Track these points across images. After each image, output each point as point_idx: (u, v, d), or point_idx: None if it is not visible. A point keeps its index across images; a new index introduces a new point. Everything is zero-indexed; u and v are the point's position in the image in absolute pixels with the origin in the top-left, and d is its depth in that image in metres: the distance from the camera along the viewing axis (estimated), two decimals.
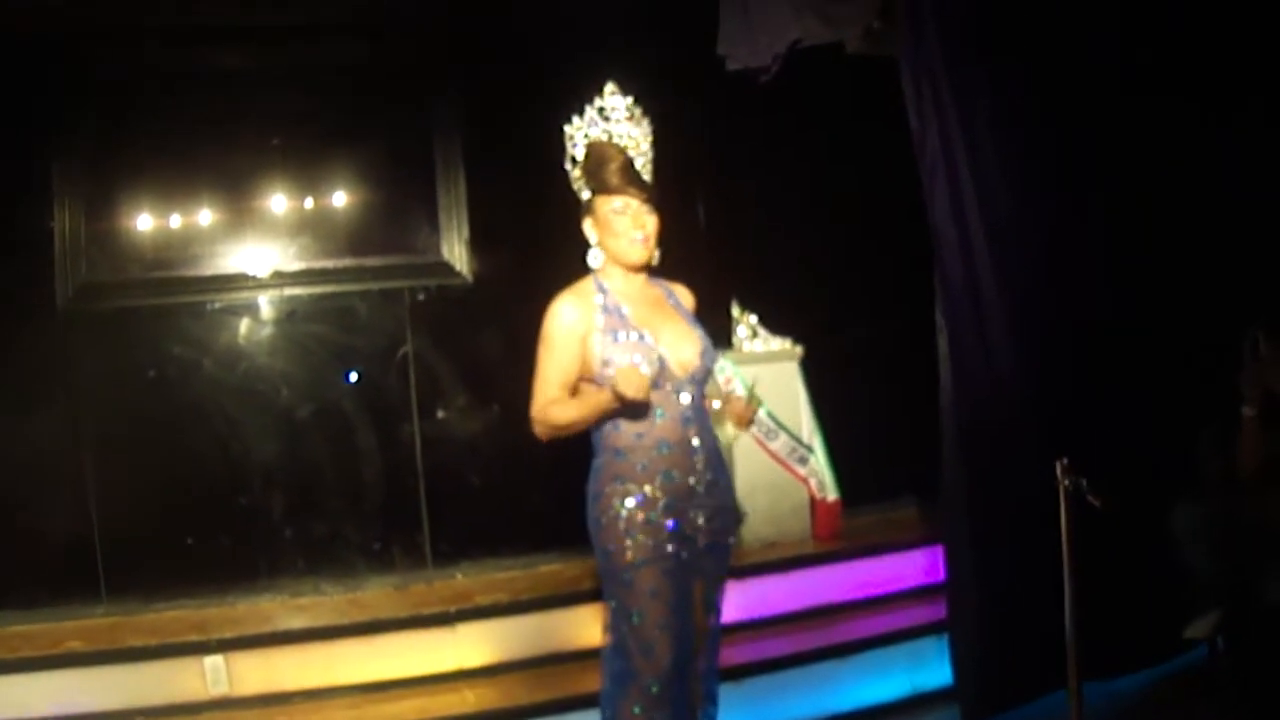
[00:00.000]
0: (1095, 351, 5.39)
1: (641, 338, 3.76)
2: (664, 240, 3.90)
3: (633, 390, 3.56)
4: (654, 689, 3.70)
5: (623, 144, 3.82)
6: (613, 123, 3.83)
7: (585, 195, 3.86)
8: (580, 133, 3.86)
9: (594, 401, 3.73)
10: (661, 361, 3.75)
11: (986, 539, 5.06)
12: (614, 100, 3.84)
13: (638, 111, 3.87)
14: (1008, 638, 5.05)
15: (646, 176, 3.84)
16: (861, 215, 6.90)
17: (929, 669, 5.50)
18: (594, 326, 3.77)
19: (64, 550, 5.91)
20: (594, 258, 3.87)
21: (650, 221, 3.81)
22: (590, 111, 3.85)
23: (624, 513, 3.75)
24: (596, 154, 3.81)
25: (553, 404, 3.77)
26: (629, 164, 3.79)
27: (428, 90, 6.57)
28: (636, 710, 3.72)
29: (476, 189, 6.58)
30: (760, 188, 6.93)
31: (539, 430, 3.82)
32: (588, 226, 3.87)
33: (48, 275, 5.97)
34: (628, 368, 3.64)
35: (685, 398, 3.81)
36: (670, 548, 3.75)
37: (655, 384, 3.72)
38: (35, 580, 5.82)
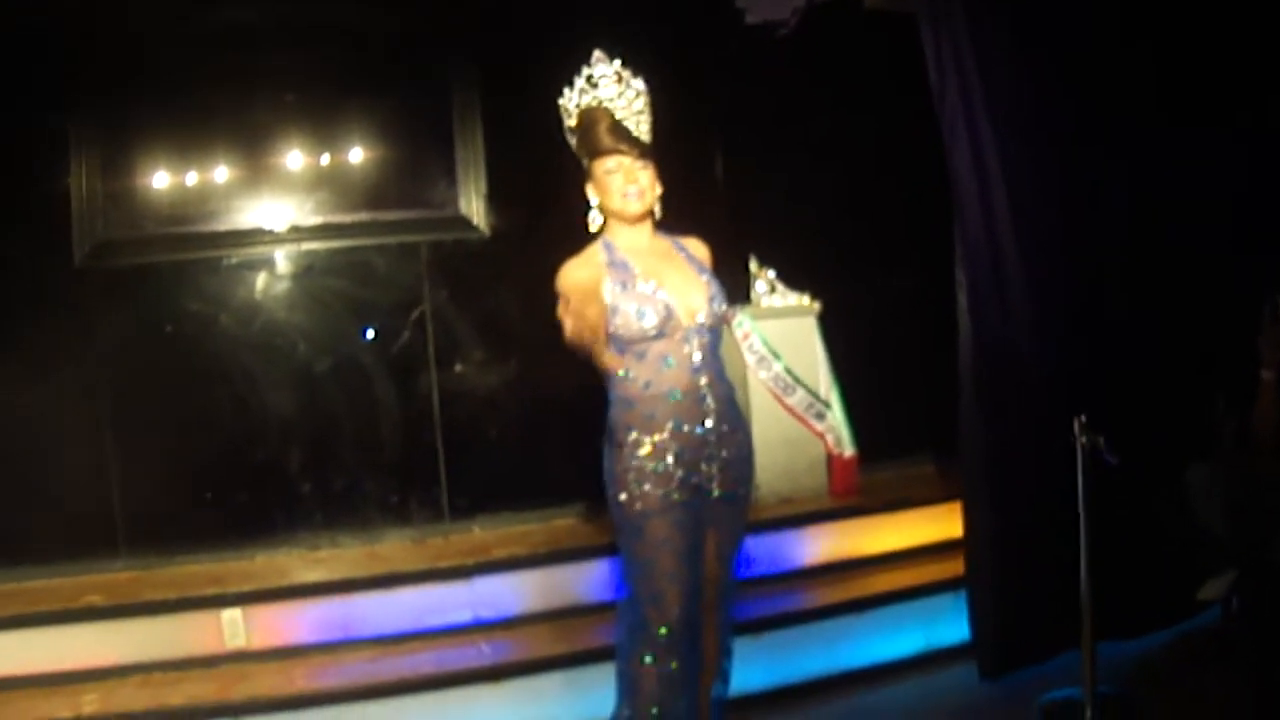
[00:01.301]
0: (1114, 309, 5.38)
1: (647, 285, 3.78)
2: (676, 193, 3.94)
3: None
4: (663, 638, 3.73)
5: (612, 106, 3.87)
6: (601, 88, 3.88)
7: (584, 162, 3.93)
8: (572, 103, 3.93)
9: None
10: (668, 309, 3.78)
11: (1004, 496, 5.07)
12: (601, 68, 3.89)
13: (626, 74, 3.91)
14: (1024, 596, 5.07)
15: (642, 134, 3.90)
16: (881, 171, 6.87)
17: (944, 626, 5.51)
18: (602, 279, 3.81)
19: (83, 506, 5.93)
20: (593, 220, 3.93)
21: (644, 176, 3.87)
22: (579, 81, 3.91)
23: (634, 462, 3.79)
24: (586, 119, 3.90)
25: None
26: (616, 123, 3.86)
27: (446, 45, 6.52)
28: (648, 660, 3.76)
29: (494, 144, 6.54)
30: (779, 144, 6.89)
31: (570, 336, 3.81)
32: (589, 191, 3.93)
33: (65, 233, 5.96)
34: None
35: (694, 346, 3.83)
36: (680, 497, 3.78)
37: (660, 333, 3.77)
38: (55, 535, 5.84)
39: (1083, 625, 4.71)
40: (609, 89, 3.87)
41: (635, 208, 3.85)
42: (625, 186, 3.83)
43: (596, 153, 3.85)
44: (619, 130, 3.84)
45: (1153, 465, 4.96)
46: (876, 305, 7.03)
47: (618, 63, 3.90)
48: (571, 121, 3.94)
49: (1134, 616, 5.27)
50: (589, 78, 3.88)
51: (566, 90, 3.92)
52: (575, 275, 3.82)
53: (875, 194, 6.90)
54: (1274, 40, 5.53)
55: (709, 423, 3.82)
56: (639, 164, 3.84)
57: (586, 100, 3.89)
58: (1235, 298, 5.28)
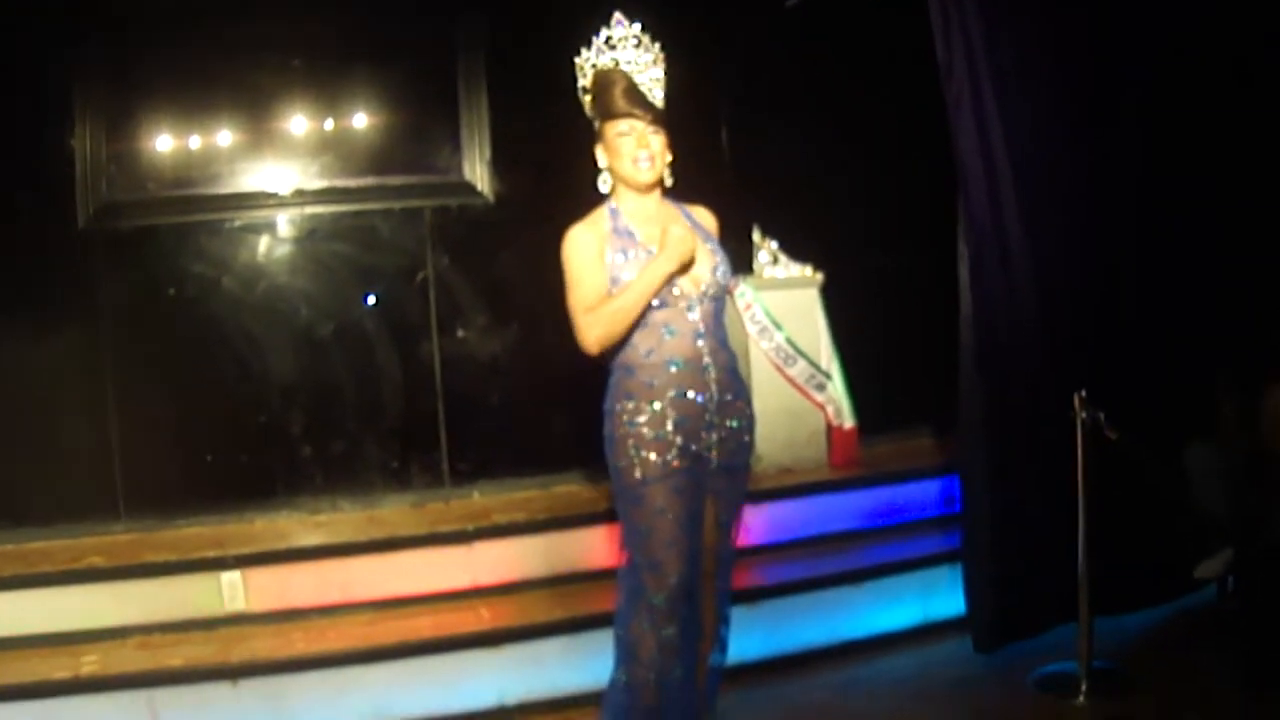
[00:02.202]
0: (1117, 286, 5.38)
1: (650, 254, 3.78)
2: (681, 162, 3.93)
3: (676, 243, 3.68)
4: (660, 605, 3.75)
5: (629, 69, 3.85)
6: (619, 50, 3.87)
7: (595, 123, 3.91)
8: (588, 63, 3.91)
9: (644, 274, 3.73)
10: (672, 278, 3.77)
11: (1002, 470, 5.07)
12: (620, 29, 3.87)
13: (645, 38, 3.89)
14: (1021, 569, 5.08)
15: (656, 99, 3.88)
16: (887, 143, 6.87)
17: (941, 598, 5.52)
18: (605, 247, 3.81)
19: (84, 467, 5.96)
20: (603, 182, 3.93)
21: (655, 141, 3.85)
22: (597, 41, 3.88)
23: (633, 429, 3.79)
24: (601, 80, 3.87)
25: (600, 304, 3.76)
26: (632, 87, 3.84)
27: (451, 8, 6.51)
28: (645, 626, 3.78)
29: (499, 109, 6.53)
30: (785, 115, 6.89)
31: (595, 337, 3.74)
32: (598, 152, 3.92)
33: (68, 194, 5.96)
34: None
35: (696, 315, 3.83)
36: (680, 465, 3.78)
37: (663, 302, 3.76)
38: (56, 497, 5.87)
39: (1080, 600, 4.73)
40: (627, 52, 3.85)
41: (646, 175, 3.84)
42: (636, 151, 3.81)
43: (610, 115, 3.83)
44: (634, 94, 3.82)
45: (1152, 442, 4.96)
46: (879, 277, 7.04)
47: (638, 26, 3.88)
48: (586, 81, 3.92)
49: (1130, 592, 5.29)
50: (608, 39, 3.86)
51: (584, 49, 3.90)
52: (580, 241, 3.82)
53: (880, 166, 6.90)
54: None
55: (710, 392, 3.82)
56: (651, 129, 3.83)
57: (604, 61, 3.87)
58: (1241, 276, 5.29)
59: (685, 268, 3.76)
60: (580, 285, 3.79)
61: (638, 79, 3.84)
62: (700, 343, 3.82)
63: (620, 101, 3.81)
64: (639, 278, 3.72)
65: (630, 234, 3.81)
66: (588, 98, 3.93)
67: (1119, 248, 5.40)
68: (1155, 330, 5.39)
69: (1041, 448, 5.06)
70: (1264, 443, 5.32)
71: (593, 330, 3.73)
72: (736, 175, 6.79)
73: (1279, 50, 5.52)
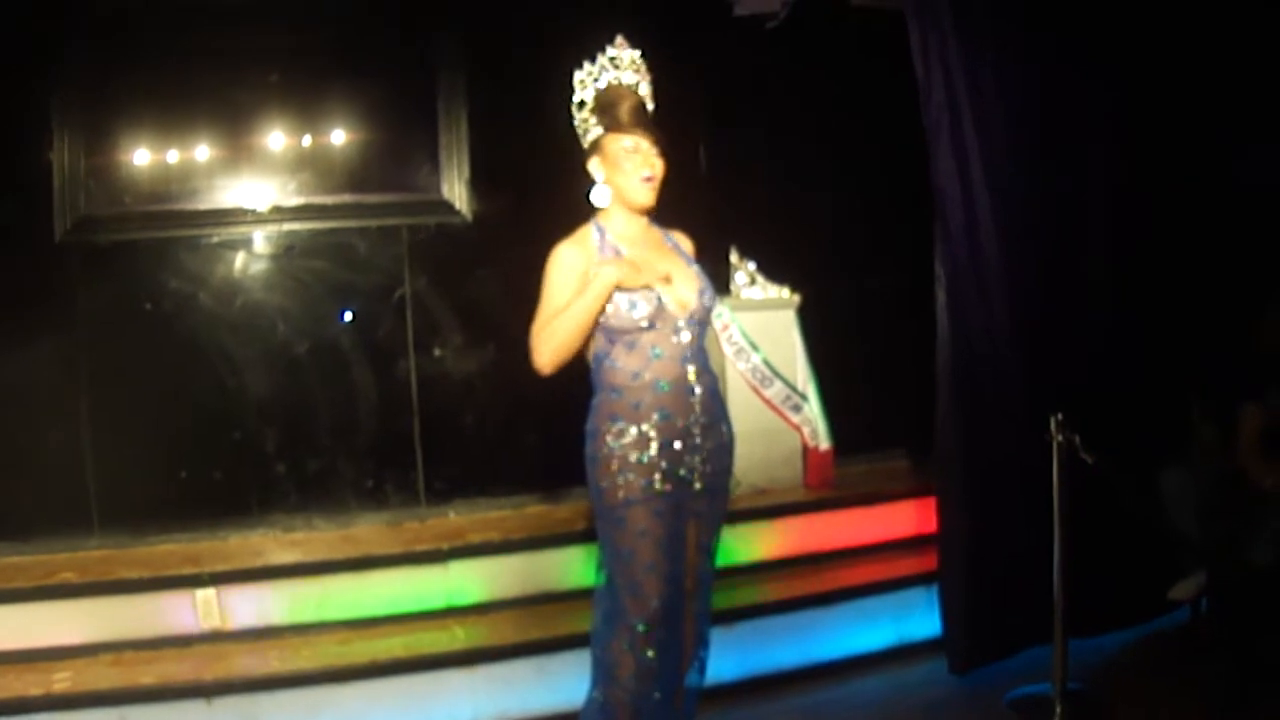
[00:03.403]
0: (1093, 310, 5.41)
1: (646, 284, 3.77)
2: (665, 187, 3.92)
3: (615, 269, 3.69)
4: (641, 628, 3.74)
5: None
6: (621, 71, 3.87)
7: (594, 135, 3.88)
8: (591, 78, 3.90)
9: (587, 292, 3.72)
10: (659, 301, 3.78)
11: (978, 492, 5.09)
12: (626, 53, 3.89)
13: (644, 65, 3.91)
14: (996, 591, 5.09)
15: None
16: (864, 166, 6.89)
17: (916, 619, 5.55)
18: (590, 266, 3.79)
19: (58, 482, 5.91)
20: (599, 195, 3.90)
21: (658, 164, 3.86)
22: (601, 59, 3.88)
23: (616, 450, 3.79)
24: (611, 94, 3.86)
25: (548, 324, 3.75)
26: (641, 106, 3.86)
27: (431, 27, 6.50)
28: (625, 648, 3.77)
29: (478, 128, 6.53)
30: (763, 136, 6.91)
31: (544, 358, 3.73)
32: (595, 165, 3.90)
33: (46, 208, 5.93)
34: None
35: (683, 338, 3.84)
36: (662, 488, 3.78)
37: (651, 324, 3.76)
38: (29, 511, 5.82)
39: (1055, 621, 4.74)
40: (629, 74, 3.87)
41: (648, 197, 3.86)
42: (642, 169, 3.81)
43: (618, 127, 3.82)
44: (643, 113, 3.85)
45: (1127, 464, 4.98)
46: (856, 299, 7.07)
47: (638, 52, 3.90)
48: (587, 94, 3.89)
49: (1104, 614, 5.31)
50: (612, 58, 3.87)
51: (586, 64, 3.89)
52: (565, 259, 3.81)
53: (858, 188, 6.92)
54: (1270, 44, 5.56)
55: (695, 414, 3.83)
56: (654, 150, 3.84)
57: (608, 78, 3.87)
58: (1216, 300, 5.33)
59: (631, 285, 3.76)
60: (549, 304, 3.79)
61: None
62: (686, 365, 3.82)
63: (629, 117, 3.81)
64: (585, 292, 3.71)
65: (618, 254, 3.81)
66: (589, 110, 3.89)
67: (1095, 270, 5.43)
68: (1131, 353, 5.42)
69: (1017, 470, 5.08)
70: (1238, 465, 5.36)
71: (542, 348, 3.74)
72: (714, 196, 6.79)
73: (1255, 76, 5.56)
